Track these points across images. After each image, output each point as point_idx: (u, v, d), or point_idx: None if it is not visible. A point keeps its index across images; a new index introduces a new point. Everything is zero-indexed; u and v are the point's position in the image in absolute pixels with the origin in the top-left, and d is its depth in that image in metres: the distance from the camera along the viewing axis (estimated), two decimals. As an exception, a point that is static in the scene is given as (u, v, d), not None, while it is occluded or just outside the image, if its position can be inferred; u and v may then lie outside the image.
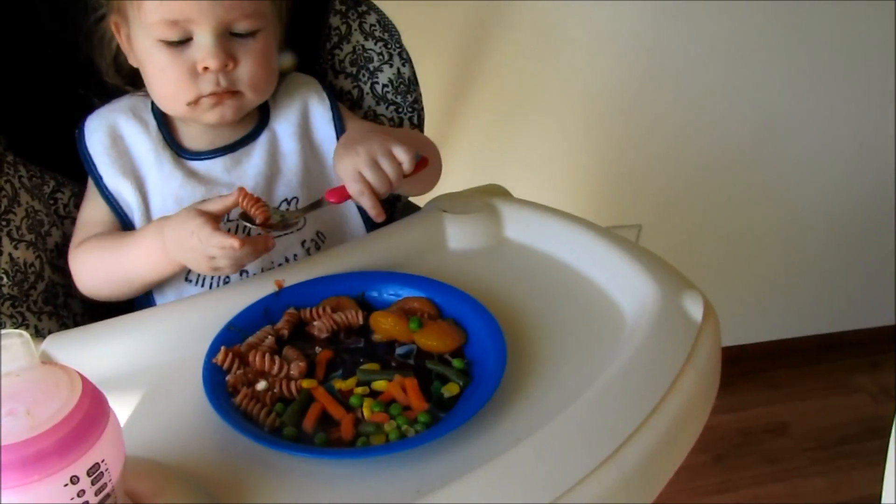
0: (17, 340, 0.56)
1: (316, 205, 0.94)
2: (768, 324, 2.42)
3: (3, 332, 0.56)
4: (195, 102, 0.96)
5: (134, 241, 0.95)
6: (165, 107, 1.00)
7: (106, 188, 1.00)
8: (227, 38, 0.93)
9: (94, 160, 1.01)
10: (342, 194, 0.91)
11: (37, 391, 0.55)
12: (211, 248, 0.85)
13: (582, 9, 1.78)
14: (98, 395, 0.57)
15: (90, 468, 0.54)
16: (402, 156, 0.90)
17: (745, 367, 2.38)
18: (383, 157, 0.90)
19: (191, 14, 0.90)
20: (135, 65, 0.98)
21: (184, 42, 0.92)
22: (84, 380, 0.57)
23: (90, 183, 1.02)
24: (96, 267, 0.98)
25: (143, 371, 0.83)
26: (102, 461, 0.55)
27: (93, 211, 1.02)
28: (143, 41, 0.94)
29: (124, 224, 1.01)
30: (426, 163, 0.95)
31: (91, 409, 0.55)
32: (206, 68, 0.93)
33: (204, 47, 0.92)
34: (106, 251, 0.97)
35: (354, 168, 0.89)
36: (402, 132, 1.09)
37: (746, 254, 2.26)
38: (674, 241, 2.12)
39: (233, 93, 0.97)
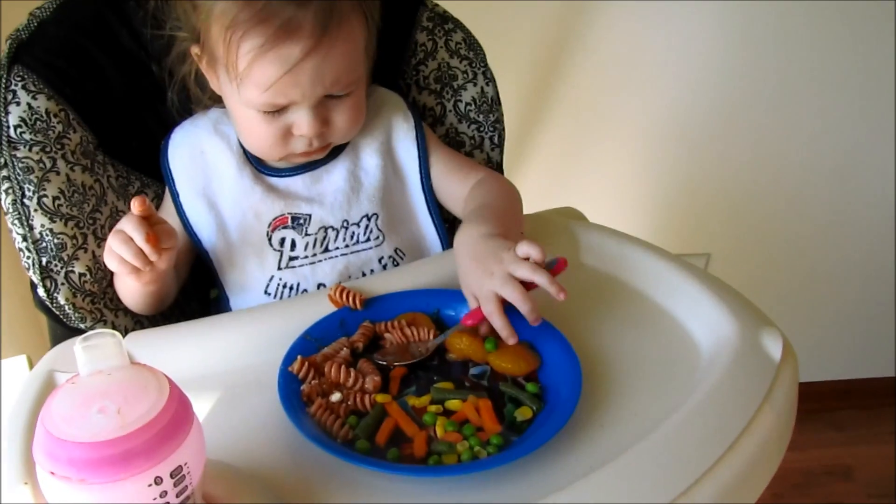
0: (109, 340, 0.58)
1: (449, 330, 0.88)
2: (835, 363, 2.36)
3: (97, 331, 0.58)
4: (285, 157, 0.99)
5: None
6: (252, 151, 1.02)
7: (181, 206, 1.03)
8: (323, 103, 0.95)
9: (174, 175, 1.03)
10: (477, 316, 0.85)
11: (127, 391, 0.56)
12: (115, 231, 0.88)
13: (659, 35, 1.77)
14: (184, 399, 0.58)
15: (174, 470, 0.55)
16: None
17: (809, 405, 2.31)
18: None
19: (294, 97, 0.92)
20: (217, 91, 1.00)
21: (280, 111, 0.94)
22: (171, 382, 0.58)
23: (167, 196, 1.05)
24: (116, 278, 1.01)
25: (219, 374, 0.85)
26: (185, 464, 0.56)
27: None
28: (235, 102, 0.95)
29: (194, 242, 1.03)
30: (564, 264, 0.86)
31: (178, 412, 0.56)
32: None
33: (301, 116, 0.94)
34: None
35: (490, 289, 0.83)
36: (506, 220, 0.97)
37: (816, 288, 2.21)
38: (742, 272, 2.09)
39: (324, 146, 1.00)
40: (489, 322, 0.84)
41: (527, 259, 0.82)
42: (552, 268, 0.83)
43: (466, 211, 0.98)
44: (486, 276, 0.83)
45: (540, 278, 0.80)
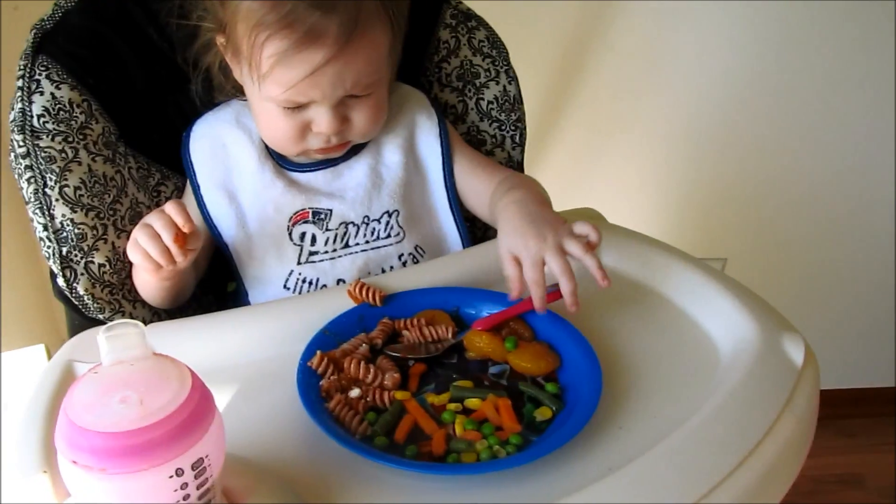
0: (132, 330, 0.58)
1: (460, 334, 0.86)
2: (848, 370, 2.34)
3: (120, 321, 0.58)
4: (303, 152, 1.00)
5: None
6: (270, 144, 1.02)
7: (202, 198, 1.03)
8: (343, 103, 0.95)
9: (195, 168, 1.04)
10: (487, 322, 0.86)
11: (149, 381, 0.56)
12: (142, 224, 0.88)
13: (678, 38, 1.77)
14: (206, 391, 0.58)
15: (195, 462, 0.55)
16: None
17: (820, 412, 2.30)
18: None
19: (314, 96, 0.92)
20: (240, 81, 1.00)
21: (300, 107, 0.94)
22: (193, 374, 0.58)
23: (188, 188, 1.05)
24: (134, 271, 1.01)
25: (237, 367, 0.85)
26: (206, 456, 0.56)
27: None
28: (255, 95, 0.95)
29: (214, 234, 1.04)
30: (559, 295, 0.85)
31: (200, 404, 0.56)
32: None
33: (320, 114, 0.94)
34: None
35: (539, 253, 0.83)
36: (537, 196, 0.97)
37: (831, 296, 2.20)
38: (758, 277, 2.07)
39: (342, 143, 1.00)
40: (505, 324, 0.85)
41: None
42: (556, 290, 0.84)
43: (502, 191, 0.97)
44: (537, 239, 0.83)
45: (589, 261, 0.82)
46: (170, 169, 1.09)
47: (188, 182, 1.05)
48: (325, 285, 1.00)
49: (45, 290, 1.04)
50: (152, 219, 0.88)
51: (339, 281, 1.01)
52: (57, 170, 0.94)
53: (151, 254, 0.87)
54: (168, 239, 0.87)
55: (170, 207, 0.87)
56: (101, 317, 0.99)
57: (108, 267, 0.98)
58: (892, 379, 2.37)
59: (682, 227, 2.05)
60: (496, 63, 1.12)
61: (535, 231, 0.84)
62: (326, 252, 1.01)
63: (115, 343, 0.57)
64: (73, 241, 0.95)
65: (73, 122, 0.96)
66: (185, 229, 0.87)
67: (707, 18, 1.74)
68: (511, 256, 0.86)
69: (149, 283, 0.98)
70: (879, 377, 2.37)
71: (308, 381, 0.77)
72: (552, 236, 0.83)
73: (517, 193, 0.94)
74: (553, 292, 0.84)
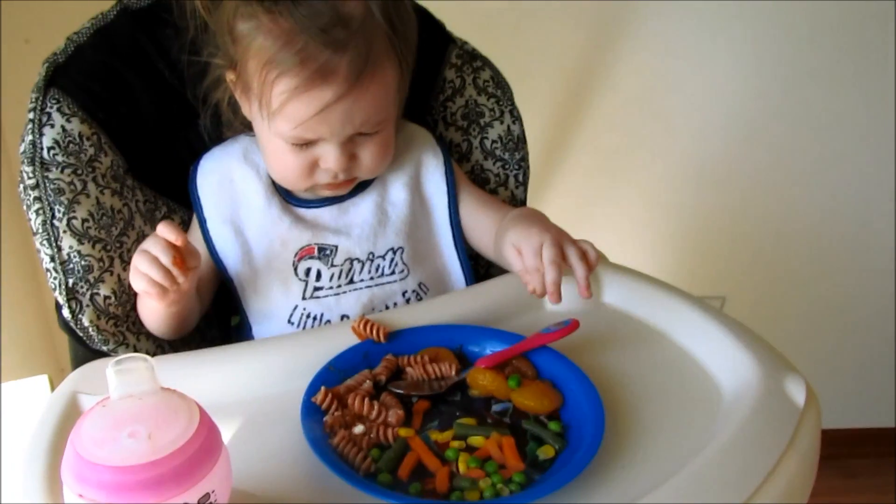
0: (141, 365, 0.58)
1: (464, 372, 0.86)
2: (848, 410, 2.34)
3: (129, 355, 0.58)
4: (310, 187, 1.01)
5: None
6: (277, 180, 1.03)
7: (208, 232, 1.04)
8: (351, 140, 0.96)
9: (202, 202, 1.05)
10: (491, 360, 0.86)
11: (158, 416, 0.56)
12: (140, 251, 0.89)
13: (681, 78, 1.79)
14: (213, 426, 0.58)
15: (201, 497, 0.55)
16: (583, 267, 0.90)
17: (823, 451, 2.30)
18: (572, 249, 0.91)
19: (323, 134, 0.93)
20: (248, 117, 1.01)
21: (308, 143, 0.95)
22: (201, 409, 0.59)
23: (194, 221, 1.06)
24: (139, 301, 1.02)
25: (242, 402, 0.85)
26: (213, 492, 0.56)
27: None
28: (265, 131, 0.97)
29: (219, 268, 1.04)
30: (576, 326, 0.88)
31: (208, 439, 0.56)
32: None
33: (328, 151, 0.95)
34: None
35: (539, 241, 0.90)
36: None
37: (831, 335, 2.20)
38: (757, 315, 2.07)
39: (350, 180, 1.01)
40: (508, 362, 0.86)
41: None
42: (564, 327, 0.87)
43: (508, 219, 1.01)
44: (539, 230, 0.89)
45: (581, 270, 0.88)
46: (177, 202, 1.10)
47: (194, 215, 1.05)
48: (329, 321, 1.01)
49: (47, 320, 1.04)
50: (149, 244, 0.89)
51: (343, 317, 1.01)
52: (65, 202, 0.95)
53: (154, 277, 0.88)
54: (167, 261, 0.87)
55: (161, 228, 0.88)
56: (105, 349, 0.99)
57: (113, 299, 0.98)
58: (894, 419, 2.37)
59: (680, 266, 2.05)
60: (500, 103, 1.13)
61: (541, 226, 0.91)
62: (331, 288, 1.02)
63: (123, 377, 0.58)
64: (79, 272, 0.96)
65: (82, 155, 0.97)
66: (178, 242, 0.87)
67: (708, 60, 1.77)
68: (515, 249, 0.91)
69: (155, 310, 0.98)
70: (881, 417, 2.37)
71: (312, 416, 0.77)
72: (555, 232, 0.90)
73: (522, 210, 1.03)
74: (557, 331, 0.85)
